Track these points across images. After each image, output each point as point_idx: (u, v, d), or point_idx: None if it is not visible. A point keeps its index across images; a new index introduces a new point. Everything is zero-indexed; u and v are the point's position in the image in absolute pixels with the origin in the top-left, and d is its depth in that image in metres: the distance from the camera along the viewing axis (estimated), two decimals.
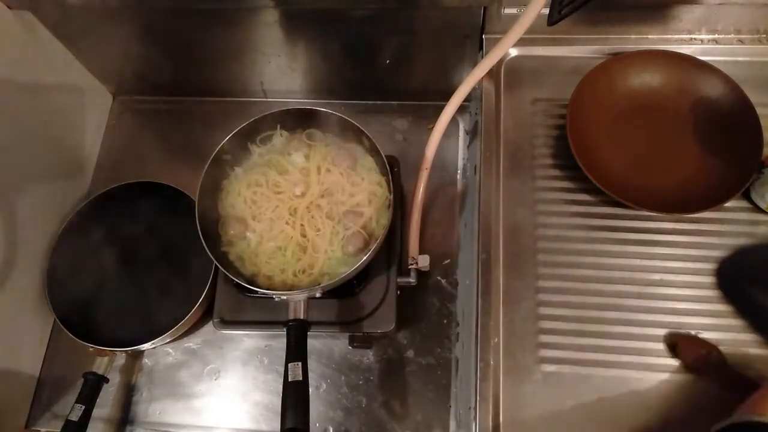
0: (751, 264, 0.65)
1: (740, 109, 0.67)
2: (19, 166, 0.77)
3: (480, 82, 0.74)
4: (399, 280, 0.74)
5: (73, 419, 0.69)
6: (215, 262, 0.67)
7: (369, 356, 0.78)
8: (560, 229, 0.69)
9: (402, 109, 0.93)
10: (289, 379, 0.59)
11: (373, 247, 0.66)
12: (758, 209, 0.67)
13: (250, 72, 0.90)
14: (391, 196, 0.71)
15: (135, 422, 0.77)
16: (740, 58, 0.75)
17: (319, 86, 0.93)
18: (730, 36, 0.76)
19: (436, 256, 0.78)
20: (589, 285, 0.66)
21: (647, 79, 0.72)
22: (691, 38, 0.77)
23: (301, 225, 0.70)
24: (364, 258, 0.65)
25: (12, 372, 0.76)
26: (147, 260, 0.82)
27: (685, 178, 0.68)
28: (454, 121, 0.82)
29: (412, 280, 0.74)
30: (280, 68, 0.88)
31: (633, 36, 0.77)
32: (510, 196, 0.71)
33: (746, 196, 0.67)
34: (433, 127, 0.72)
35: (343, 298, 0.75)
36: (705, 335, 0.62)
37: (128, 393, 0.79)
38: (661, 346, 0.62)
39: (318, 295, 0.69)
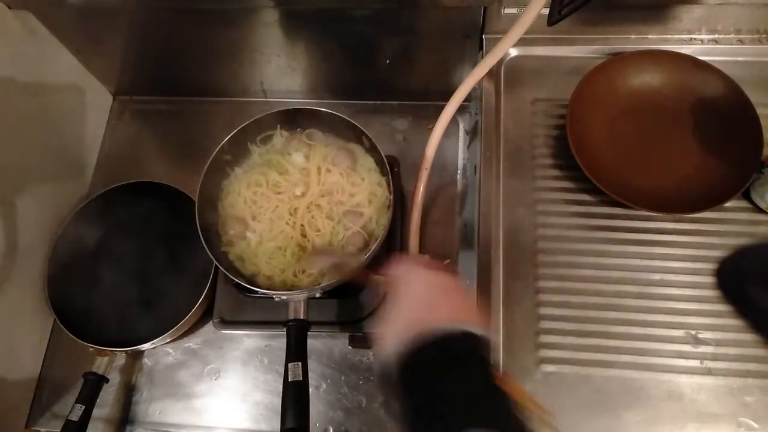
0: (751, 264, 0.65)
1: (740, 109, 0.67)
2: (19, 166, 0.77)
3: (480, 82, 0.74)
4: None
5: (73, 419, 0.69)
6: (215, 262, 0.67)
7: (369, 356, 0.78)
8: (560, 229, 0.69)
9: (402, 109, 0.93)
10: (289, 379, 0.59)
11: (373, 247, 0.66)
12: (758, 209, 0.67)
13: (250, 72, 0.90)
14: (391, 196, 0.71)
15: (135, 422, 0.77)
16: (740, 58, 0.75)
17: (319, 86, 0.93)
18: (730, 36, 0.76)
19: (436, 256, 0.78)
20: (589, 285, 0.66)
21: (647, 79, 0.72)
22: (691, 38, 0.77)
23: (301, 225, 0.70)
24: (364, 258, 0.65)
25: (12, 372, 0.76)
26: (147, 260, 0.81)
27: (685, 178, 0.68)
28: (454, 121, 0.82)
29: None
30: (280, 68, 0.87)
31: (633, 36, 0.77)
32: (510, 196, 0.71)
33: (746, 196, 0.67)
34: (433, 127, 0.72)
35: (343, 298, 0.75)
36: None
37: (128, 393, 0.79)
38: (661, 346, 0.62)
39: (318, 295, 0.69)
